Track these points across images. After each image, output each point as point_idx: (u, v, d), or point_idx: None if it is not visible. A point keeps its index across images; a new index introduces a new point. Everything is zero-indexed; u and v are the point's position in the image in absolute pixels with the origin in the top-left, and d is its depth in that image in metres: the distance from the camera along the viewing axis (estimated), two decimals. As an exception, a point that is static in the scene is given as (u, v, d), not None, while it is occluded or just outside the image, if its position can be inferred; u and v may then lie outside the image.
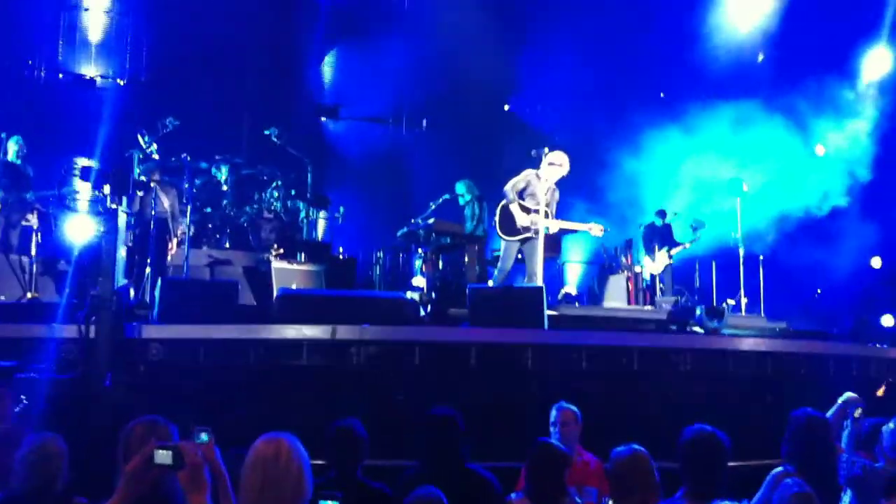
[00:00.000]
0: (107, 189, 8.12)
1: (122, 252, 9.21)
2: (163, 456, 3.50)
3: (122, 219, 8.43)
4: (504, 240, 9.95)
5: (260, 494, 3.57)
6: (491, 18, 15.32)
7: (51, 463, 4.42)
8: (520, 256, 9.99)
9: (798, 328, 10.81)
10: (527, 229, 9.74)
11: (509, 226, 9.82)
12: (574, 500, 4.01)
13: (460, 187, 11.99)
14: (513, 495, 5.15)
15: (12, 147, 10.90)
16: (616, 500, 4.59)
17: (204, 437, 4.48)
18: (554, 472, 4.76)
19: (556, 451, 4.96)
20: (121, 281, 8.23)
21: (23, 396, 6.67)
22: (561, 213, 10.25)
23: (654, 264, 13.40)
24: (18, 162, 10.91)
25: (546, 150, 10.06)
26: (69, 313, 8.18)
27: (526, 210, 9.78)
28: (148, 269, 10.04)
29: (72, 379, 7.16)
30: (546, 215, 9.77)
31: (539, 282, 9.62)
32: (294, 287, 10.08)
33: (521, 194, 9.83)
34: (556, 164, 9.81)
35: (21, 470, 4.40)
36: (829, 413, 5.79)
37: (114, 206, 8.10)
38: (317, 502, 3.46)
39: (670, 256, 13.39)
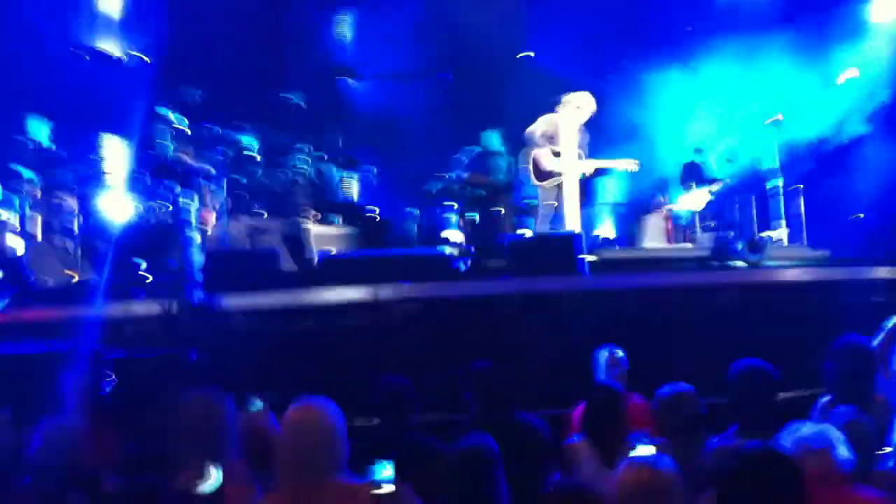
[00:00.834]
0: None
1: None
2: None
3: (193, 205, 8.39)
4: (539, 186, 9.91)
5: (294, 459, 3.64)
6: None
7: (67, 444, 4.44)
8: (556, 203, 9.96)
9: (841, 255, 10.68)
10: (559, 173, 9.69)
11: (540, 171, 9.78)
12: (637, 443, 4.03)
13: (495, 139, 11.88)
14: (574, 438, 5.17)
15: (41, 130, 11.02)
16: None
17: (258, 404, 4.60)
18: (616, 412, 4.79)
19: (617, 392, 5.00)
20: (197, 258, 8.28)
21: (112, 375, 6.78)
22: (593, 154, 10.17)
23: (693, 201, 13.27)
24: (52, 145, 11.04)
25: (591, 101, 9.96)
26: (114, 292, 8.32)
27: (556, 154, 9.72)
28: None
29: (158, 357, 7.25)
30: (578, 157, 9.71)
31: (576, 227, 9.60)
32: (332, 251, 10.13)
33: (548, 139, 9.76)
34: (580, 106, 9.74)
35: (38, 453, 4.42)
36: (875, 341, 5.74)
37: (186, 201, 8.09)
38: (369, 467, 3.51)
39: (711, 193, 13.24)
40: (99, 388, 6.21)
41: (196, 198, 10.49)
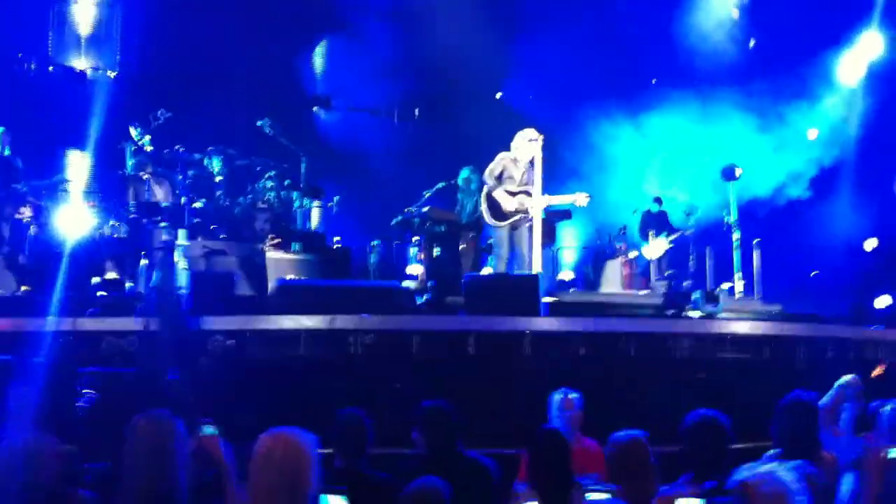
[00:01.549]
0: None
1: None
2: None
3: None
4: (495, 227, 9.97)
5: (266, 488, 3.58)
6: (481, 7, 15.28)
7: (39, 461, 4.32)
8: (511, 244, 10.00)
9: (793, 311, 10.84)
10: (516, 212, 9.78)
11: (497, 212, 9.86)
12: (583, 488, 4.00)
13: (465, 173, 11.88)
14: (520, 487, 5.13)
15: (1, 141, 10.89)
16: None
17: (209, 429, 4.50)
18: (560, 458, 4.75)
19: (561, 438, 4.96)
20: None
21: (87, 390, 6.65)
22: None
23: (652, 250, 13.43)
24: (7, 153, 10.88)
25: (540, 136, 10.08)
26: (64, 306, 8.18)
27: (511, 194, 9.81)
28: (144, 262, 10.02)
29: (136, 373, 7.14)
30: (528, 194, 9.79)
31: (534, 268, 9.64)
32: (290, 277, 10.06)
33: (499, 178, 9.85)
34: (528, 142, 9.85)
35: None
36: (827, 396, 5.80)
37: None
38: (322, 496, 3.46)
39: (670, 242, 13.40)
40: (54, 401, 6.07)
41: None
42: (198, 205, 11.31)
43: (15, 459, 4.20)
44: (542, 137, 9.95)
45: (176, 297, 7.36)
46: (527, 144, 9.89)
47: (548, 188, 10.20)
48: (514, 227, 9.89)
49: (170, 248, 9.29)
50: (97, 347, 7.58)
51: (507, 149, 10.13)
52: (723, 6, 15.75)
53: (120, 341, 7.52)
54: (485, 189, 9.99)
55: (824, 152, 14.87)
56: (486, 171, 9.95)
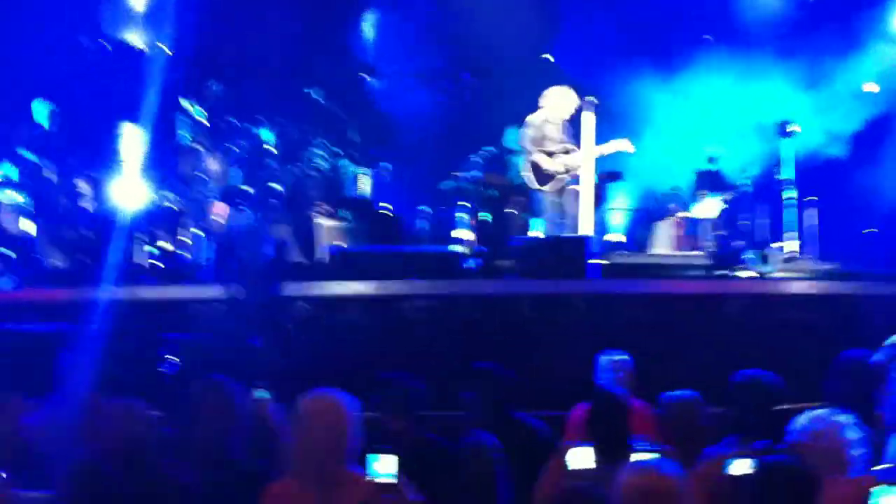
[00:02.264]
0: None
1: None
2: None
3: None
4: (540, 191, 9.91)
5: (308, 448, 3.73)
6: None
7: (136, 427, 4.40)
8: (561, 206, 9.95)
9: (850, 269, 10.65)
10: (558, 172, 9.69)
11: (540, 175, 9.79)
12: (639, 448, 4.01)
13: (512, 138, 11.86)
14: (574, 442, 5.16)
15: (41, 112, 11.10)
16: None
17: (261, 393, 4.63)
18: (619, 417, 4.76)
19: (619, 397, 4.98)
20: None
21: (175, 358, 6.84)
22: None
23: (705, 210, 13.26)
24: (55, 128, 11.09)
25: (594, 99, 9.99)
26: (122, 276, 8.37)
27: (549, 154, 9.72)
28: (200, 232, 10.18)
29: (219, 339, 7.29)
30: (568, 152, 9.69)
31: (586, 230, 9.60)
32: (343, 245, 10.15)
33: (538, 142, 9.76)
34: (562, 101, 9.74)
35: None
36: (876, 355, 5.72)
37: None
38: (371, 455, 3.55)
39: (725, 201, 13.22)
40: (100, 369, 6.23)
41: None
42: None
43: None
44: (574, 95, 9.79)
45: (259, 264, 7.47)
46: (559, 103, 9.75)
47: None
48: (559, 191, 9.80)
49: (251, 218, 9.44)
50: (173, 314, 7.71)
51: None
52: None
53: (204, 308, 7.66)
54: (524, 156, 9.90)
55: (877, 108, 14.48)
56: (523, 138, 9.85)
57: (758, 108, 14.27)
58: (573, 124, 10.19)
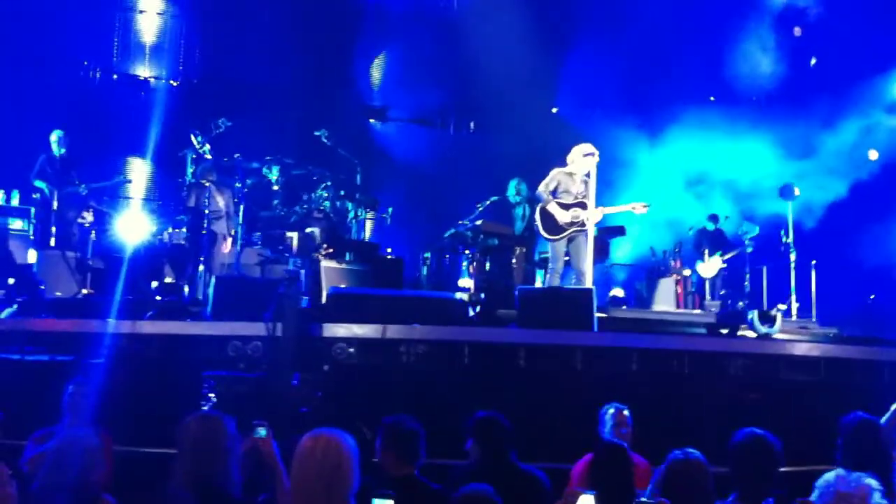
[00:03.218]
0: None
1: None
2: None
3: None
4: (550, 241, 9.97)
5: (306, 486, 3.70)
6: (538, 21, 15.31)
7: (78, 458, 4.37)
8: (567, 258, 10.00)
9: (850, 334, 10.66)
10: (571, 224, 9.78)
11: (552, 225, 9.86)
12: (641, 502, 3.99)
13: (513, 186, 11.98)
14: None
15: (54, 140, 11.17)
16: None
17: (262, 431, 4.58)
18: (623, 470, 4.72)
19: (624, 451, 4.95)
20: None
21: (211, 395, 6.84)
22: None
23: (706, 269, 13.33)
24: (62, 152, 11.14)
25: (595, 152, 10.10)
26: (123, 309, 8.36)
27: (565, 207, 9.81)
28: (201, 268, 10.19)
29: (258, 378, 7.28)
30: (583, 206, 9.79)
31: (588, 282, 9.63)
32: (343, 286, 10.15)
33: (554, 193, 9.88)
34: (584, 156, 9.86)
35: (47, 464, 4.36)
36: (884, 419, 5.71)
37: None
38: (370, 500, 3.52)
39: (724, 261, 13.31)
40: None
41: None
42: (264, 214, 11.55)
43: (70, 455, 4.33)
44: (597, 153, 9.95)
45: (299, 304, 7.48)
46: (582, 159, 9.89)
47: (601, 204, 10.21)
48: (570, 240, 9.87)
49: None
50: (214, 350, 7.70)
51: (563, 162, 10.15)
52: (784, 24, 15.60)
53: (244, 346, 7.64)
54: (539, 204, 10.00)
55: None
56: (541, 186, 9.98)
57: (754, 170, 14.43)
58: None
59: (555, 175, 9.99)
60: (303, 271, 7.71)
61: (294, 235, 10.94)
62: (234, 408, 6.08)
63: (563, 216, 9.78)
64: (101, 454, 4.52)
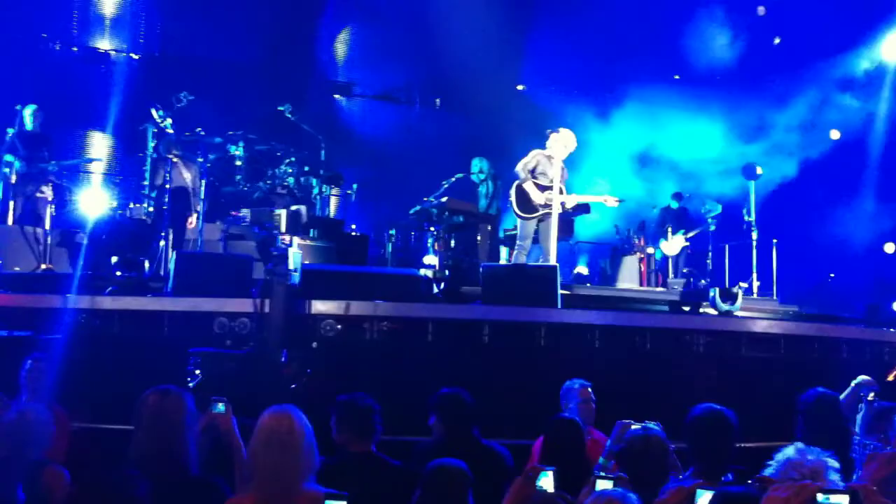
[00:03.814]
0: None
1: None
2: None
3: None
4: (521, 218, 10.01)
5: (267, 462, 3.72)
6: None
7: (23, 436, 4.35)
8: (534, 236, 10.04)
9: (810, 312, 10.80)
10: (544, 206, 9.83)
11: (526, 204, 9.91)
12: (598, 476, 4.02)
13: (476, 164, 12.02)
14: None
15: (28, 116, 10.96)
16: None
17: (220, 406, 4.56)
18: (575, 447, 4.76)
19: (578, 427, 4.98)
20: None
21: (197, 371, 6.76)
22: (572, 191, 10.36)
23: (670, 247, 13.43)
24: (37, 130, 10.96)
25: (560, 129, 10.18)
26: (83, 285, 8.26)
27: (541, 188, 9.86)
28: (162, 243, 10.08)
29: (246, 354, 7.22)
30: (560, 191, 9.85)
31: (553, 260, 9.66)
32: (307, 262, 10.08)
33: (532, 173, 9.91)
34: (564, 143, 9.92)
35: None
36: (842, 396, 5.79)
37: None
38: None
39: (687, 240, 13.42)
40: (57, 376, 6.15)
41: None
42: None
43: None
44: (574, 141, 10.08)
45: (288, 281, 7.42)
46: (562, 148, 9.96)
47: (570, 183, 10.29)
48: (540, 220, 9.92)
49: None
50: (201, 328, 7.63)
51: (529, 139, 10.20)
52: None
53: (231, 323, 7.56)
54: (516, 182, 10.03)
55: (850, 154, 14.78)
56: (520, 165, 10.04)
57: (718, 147, 14.55)
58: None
59: (534, 155, 10.05)
60: (292, 249, 7.61)
61: (283, 213, 10.84)
62: (221, 385, 6.08)
63: (538, 197, 9.86)
64: (51, 428, 4.48)
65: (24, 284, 8.84)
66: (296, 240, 10.52)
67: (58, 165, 10.93)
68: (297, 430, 3.76)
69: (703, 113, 14.85)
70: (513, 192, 10.04)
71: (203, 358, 6.92)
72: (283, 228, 10.62)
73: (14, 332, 7.57)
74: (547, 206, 9.88)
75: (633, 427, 5.05)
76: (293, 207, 11.06)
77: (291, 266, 7.42)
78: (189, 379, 6.75)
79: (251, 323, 7.56)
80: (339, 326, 7.76)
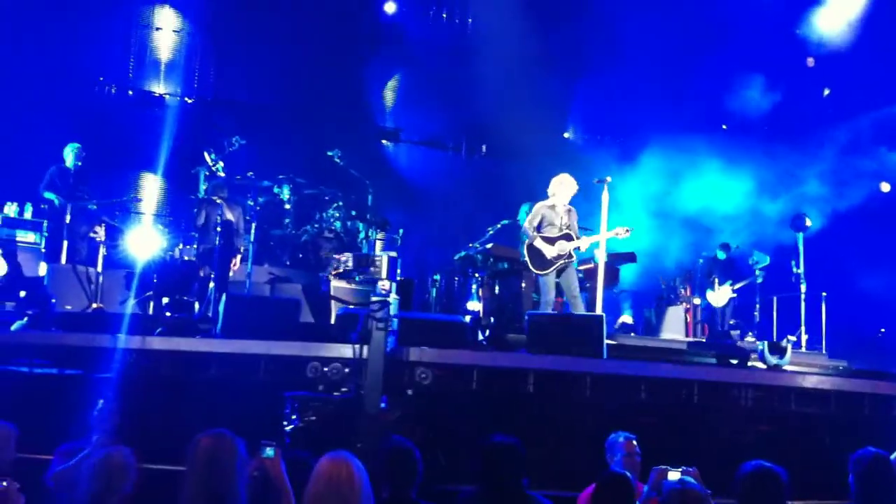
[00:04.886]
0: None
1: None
2: None
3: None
4: (540, 275, 10.02)
5: None
6: (550, 45, 15.38)
7: (113, 475, 4.45)
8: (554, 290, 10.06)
9: (859, 367, 10.62)
10: (558, 258, 9.85)
11: (540, 261, 9.95)
12: None
13: (523, 212, 12.03)
14: None
15: (69, 154, 11.20)
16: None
17: (270, 451, 4.58)
18: (626, 502, 4.71)
19: (629, 482, 4.94)
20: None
21: (293, 416, 6.84)
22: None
23: (716, 298, 13.30)
24: (75, 168, 11.16)
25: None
26: (133, 325, 8.36)
27: (550, 241, 9.88)
28: (212, 285, 10.20)
29: (344, 399, 7.28)
30: (569, 238, 9.84)
31: (598, 309, 9.64)
32: (352, 306, 10.13)
33: (539, 228, 9.94)
34: (561, 188, 9.98)
35: (84, 479, 4.45)
36: (894, 456, 5.68)
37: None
38: None
39: (734, 291, 13.28)
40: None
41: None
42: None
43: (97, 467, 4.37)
44: (575, 183, 10.09)
45: (389, 327, 7.50)
46: (561, 190, 10.00)
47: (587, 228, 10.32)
48: (560, 272, 9.94)
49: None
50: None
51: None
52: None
53: (324, 367, 7.63)
54: (526, 241, 10.08)
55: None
56: (526, 223, 10.16)
57: (767, 199, 14.44)
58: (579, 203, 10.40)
59: (538, 210, 10.13)
60: (393, 295, 7.68)
61: (384, 258, 10.93)
62: (321, 429, 6.08)
63: (549, 251, 9.88)
64: (132, 470, 4.54)
65: (76, 324, 8.97)
66: (341, 282, 10.64)
67: (98, 204, 11.13)
68: (355, 477, 3.79)
69: (747, 163, 14.78)
70: (525, 251, 10.08)
71: (301, 402, 6.96)
72: (383, 275, 10.66)
73: (64, 371, 7.68)
74: (560, 256, 9.89)
75: (671, 475, 5.01)
76: (391, 254, 11.14)
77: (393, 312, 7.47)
78: (286, 423, 6.79)
79: (344, 368, 7.56)
80: (434, 374, 7.73)
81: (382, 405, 7.19)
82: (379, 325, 7.37)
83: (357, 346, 7.45)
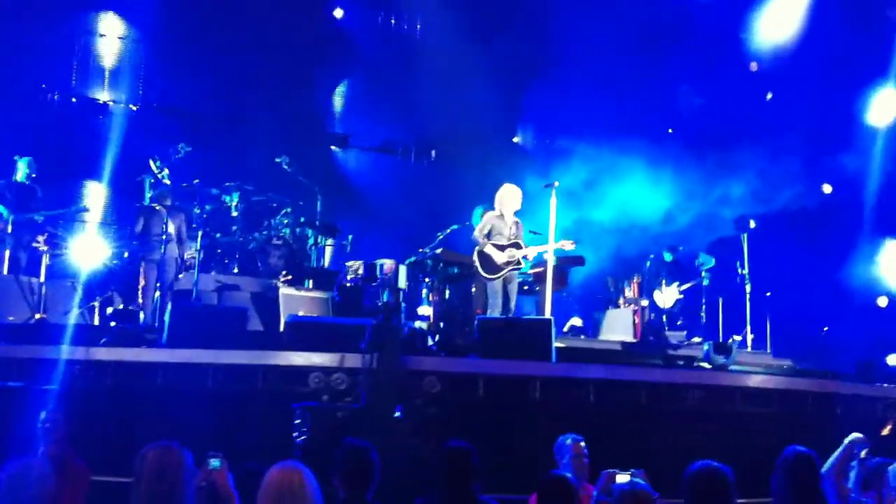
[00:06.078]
0: None
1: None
2: None
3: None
4: (489, 280, 10.20)
5: None
6: (500, 51, 15.44)
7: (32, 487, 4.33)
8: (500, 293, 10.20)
9: (804, 366, 10.80)
10: (507, 264, 10.22)
11: (490, 266, 10.23)
12: None
13: (477, 215, 12.04)
14: None
15: (22, 167, 11.00)
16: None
17: (216, 462, 4.54)
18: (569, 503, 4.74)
19: (570, 484, 4.96)
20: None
21: (304, 427, 6.75)
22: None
23: (664, 299, 13.45)
24: (28, 182, 10.98)
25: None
26: (77, 335, 8.24)
27: (500, 248, 10.10)
28: (157, 294, 10.09)
29: (355, 409, 7.24)
30: (517, 246, 10.17)
31: (546, 312, 9.70)
32: (301, 314, 10.09)
33: (489, 236, 10.14)
34: (507, 198, 10.38)
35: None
36: (835, 453, 5.78)
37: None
38: None
39: (681, 292, 13.45)
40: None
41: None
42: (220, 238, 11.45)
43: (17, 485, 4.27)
44: (518, 194, 10.43)
45: (400, 335, 7.46)
46: (508, 200, 10.31)
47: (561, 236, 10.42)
48: (507, 280, 10.30)
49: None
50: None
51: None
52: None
53: (328, 378, 7.56)
54: (476, 247, 10.23)
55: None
56: (476, 231, 10.48)
57: (712, 201, 14.61)
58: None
59: (487, 220, 10.48)
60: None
61: (391, 263, 10.92)
62: (332, 439, 6.03)
63: (500, 257, 10.22)
64: (53, 482, 4.44)
65: (18, 335, 8.81)
66: (290, 290, 10.58)
67: (44, 215, 10.95)
68: (306, 485, 3.78)
69: (695, 166, 14.94)
70: (476, 257, 10.28)
71: (312, 413, 6.89)
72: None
73: (6, 383, 7.55)
74: (509, 262, 10.25)
75: (619, 478, 5.05)
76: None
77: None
78: (296, 434, 6.73)
79: (348, 377, 7.54)
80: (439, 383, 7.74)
81: (397, 414, 7.19)
82: (390, 333, 7.35)
83: (366, 357, 7.45)
